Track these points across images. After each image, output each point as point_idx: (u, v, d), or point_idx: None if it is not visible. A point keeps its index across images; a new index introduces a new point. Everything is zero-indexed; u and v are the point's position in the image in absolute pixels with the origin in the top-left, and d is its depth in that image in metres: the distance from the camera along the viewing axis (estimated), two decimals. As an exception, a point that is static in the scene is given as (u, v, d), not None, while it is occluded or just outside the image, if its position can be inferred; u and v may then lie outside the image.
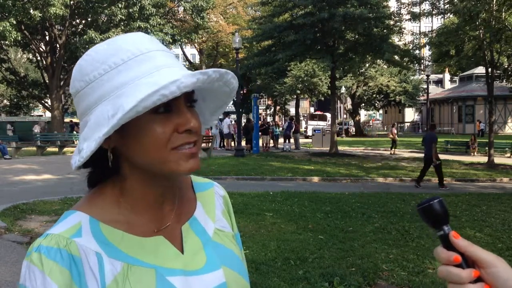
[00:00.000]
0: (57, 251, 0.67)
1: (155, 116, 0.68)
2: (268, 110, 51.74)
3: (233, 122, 24.36)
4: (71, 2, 23.19)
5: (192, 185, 0.88)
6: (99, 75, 0.69)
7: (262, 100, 47.44)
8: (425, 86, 39.47)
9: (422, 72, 35.99)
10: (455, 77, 50.57)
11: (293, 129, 24.23)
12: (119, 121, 0.64)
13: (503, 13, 14.77)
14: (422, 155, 20.69)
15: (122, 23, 24.04)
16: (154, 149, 0.69)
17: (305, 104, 61.93)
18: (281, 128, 28.16)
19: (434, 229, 0.65)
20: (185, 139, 0.70)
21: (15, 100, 37.65)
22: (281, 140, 25.44)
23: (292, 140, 24.51)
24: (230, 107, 28.91)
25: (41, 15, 21.51)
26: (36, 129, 27.21)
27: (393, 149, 21.97)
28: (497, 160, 16.76)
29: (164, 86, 0.63)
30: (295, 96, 40.02)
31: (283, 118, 40.74)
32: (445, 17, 21.99)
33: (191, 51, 51.71)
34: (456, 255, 0.62)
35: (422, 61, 24.24)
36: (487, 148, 17.16)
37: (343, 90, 37.13)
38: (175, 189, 0.81)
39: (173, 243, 0.76)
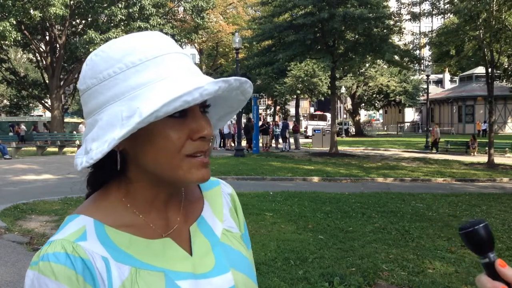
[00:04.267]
0: (66, 256, 0.64)
1: (169, 121, 0.66)
2: (268, 110, 51.76)
3: (233, 122, 24.37)
4: (71, 2, 23.20)
5: None
6: (114, 73, 0.66)
7: (262, 100, 47.46)
8: (425, 86, 39.42)
9: (422, 72, 35.98)
10: (455, 77, 50.61)
11: (288, 129, 24.15)
12: (137, 124, 0.61)
13: (503, 13, 14.76)
14: (422, 155, 20.92)
15: (122, 23, 24.05)
16: (167, 155, 0.67)
17: (305, 104, 62.01)
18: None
19: (477, 255, 0.61)
20: (199, 147, 0.68)
21: (15, 100, 37.70)
22: (280, 140, 25.46)
23: (292, 140, 24.52)
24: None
25: (41, 15, 21.52)
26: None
27: None
28: (497, 160, 16.77)
29: (187, 92, 0.61)
30: (295, 96, 40.06)
31: (282, 118, 40.82)
32: (445, 17, 21.97)
33: (191, 51, 51.70)
34: (503, 286, 0.57)
35: (422, 61, 24.22)
36: (487, 148, 17.16)
37: (343, 90, 37.12)
38: (180, 189, 0.79)
39: (180, 244, 0.74)
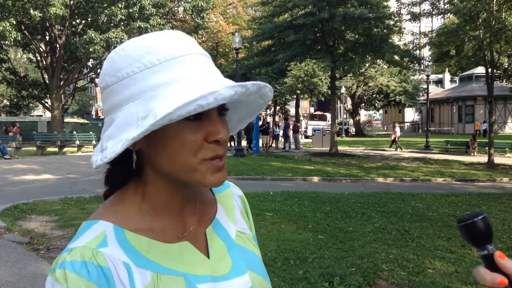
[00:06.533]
0: (82, 265, 0.64)
1: (186, 123, 0.65)
2: (268, 110, 51.75)
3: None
4: (71, 2, 23.22)
5: None
6: (132, 73, 0.66)
7: (262, 100, 47.17)
8: (425, 86, 39.41)
9: (422, 72, 36.01)
10: (455, 77, 50.62)
11: (290, 128, 24.17)
12: (150, 127, 0.60)
13: (503, 13, 14.76)
14: (422, 155, 20.93)
15: (122, 23, 24.07)
16: (182, 157, 0.66)
17: (305, 104, 62.02)
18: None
19: (476, 247, 0.61)
20: (215, 150, 0.67)
21: (15, 100, 37.71)
22: (282, 139, 25.47)
23: (292, 140, 24.54)
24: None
25: (41, 15, 21.54)
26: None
27: None
28: (497, 160, 16.77)
29: (202, 96, 0.60)
30: (295, 96, 40.02)
31: (282, 118, 40.88)
32: (445, 17, 21.97)
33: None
34: (502, 278, 0.57)
35: (422, 61, 24.23)
36: (487, 148, 17.17)
37: (343, 90, 37.13)
38: (196, 192, 0.79)
39: (197, 247, 0.75)
